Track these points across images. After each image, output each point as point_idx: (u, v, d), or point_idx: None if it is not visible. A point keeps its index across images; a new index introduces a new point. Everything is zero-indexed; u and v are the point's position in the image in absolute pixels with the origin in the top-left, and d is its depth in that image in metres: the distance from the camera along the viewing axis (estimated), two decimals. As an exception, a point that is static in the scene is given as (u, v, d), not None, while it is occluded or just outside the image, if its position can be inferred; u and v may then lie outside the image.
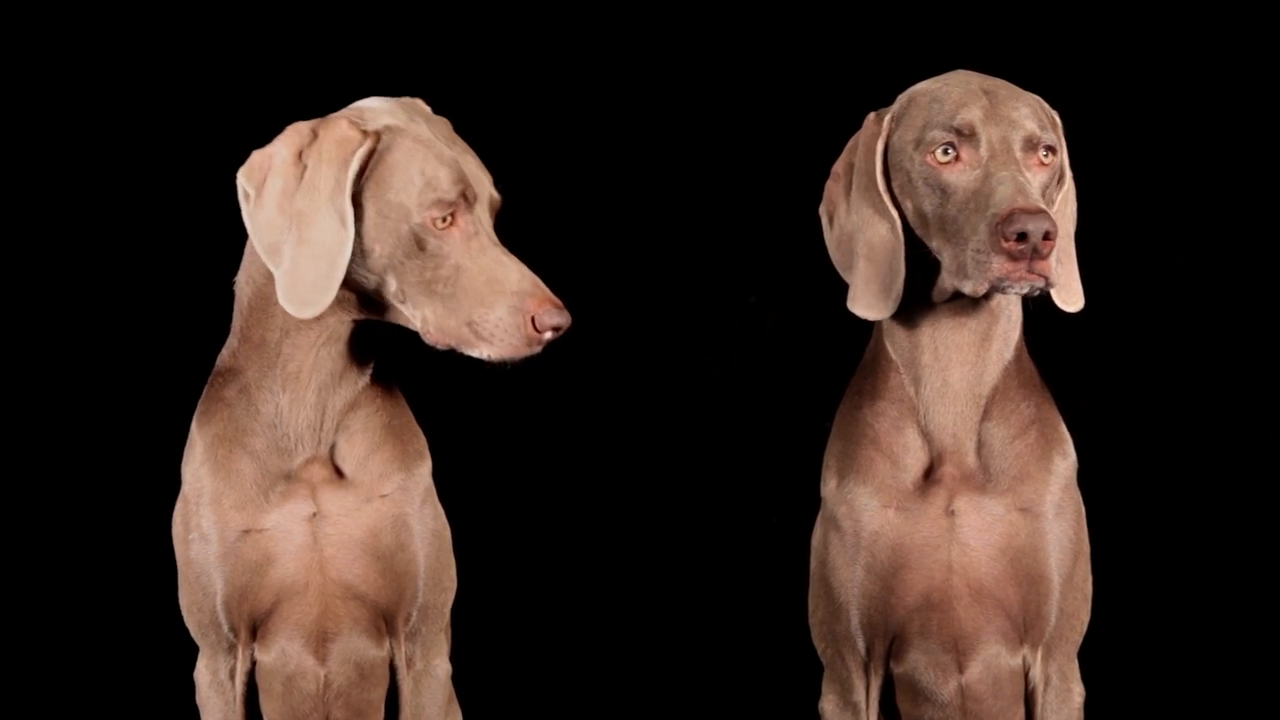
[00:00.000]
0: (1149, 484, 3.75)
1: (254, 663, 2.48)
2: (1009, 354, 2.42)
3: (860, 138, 2.41)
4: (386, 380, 2.50)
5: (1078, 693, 2.53)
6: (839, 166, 2.44)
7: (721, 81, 3.84)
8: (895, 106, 2.39)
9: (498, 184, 2.39)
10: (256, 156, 2.31)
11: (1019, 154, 2.26)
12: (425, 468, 2.52)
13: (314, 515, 2.41)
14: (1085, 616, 2.51)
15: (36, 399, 3.76)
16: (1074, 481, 2.47)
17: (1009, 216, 2.14)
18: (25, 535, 3.75)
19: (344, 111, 2.36)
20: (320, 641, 2.45)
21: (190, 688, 2.54)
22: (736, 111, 3.84)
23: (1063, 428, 2.48)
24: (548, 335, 2.27)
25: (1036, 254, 2.15)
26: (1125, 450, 3.71)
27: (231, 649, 2.47)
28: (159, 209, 3.69)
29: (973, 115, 2.27)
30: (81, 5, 3.70)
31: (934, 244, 2.30)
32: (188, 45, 3.70)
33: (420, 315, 2.29)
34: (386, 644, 2.50)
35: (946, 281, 2.31)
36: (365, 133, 2.28)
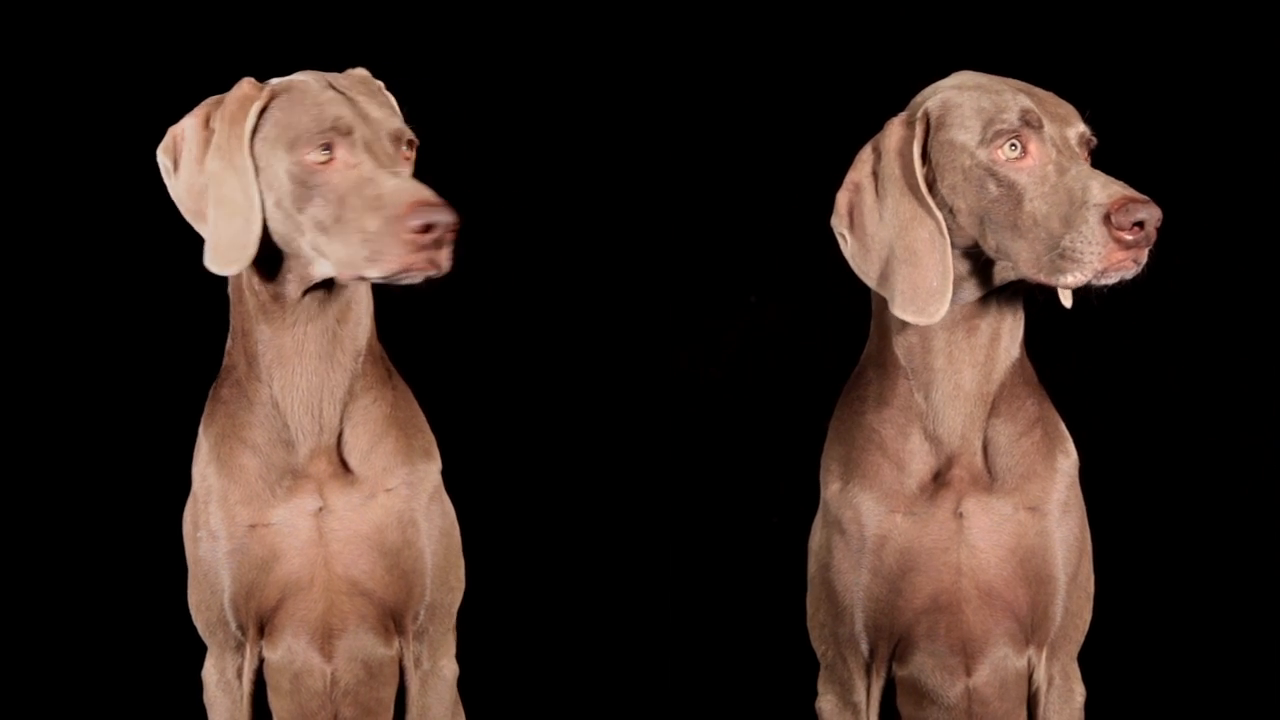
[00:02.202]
0: (1147, 484, 3.75)
1: (262, 660, 2.48)
2: (1015, 351, 2.42)
3: (886, 143, 2.35)
4: (389, 373, 2.51)
5: (1079, 693, 2.53)
6: (858, 177, 2.37)
7: (722, 83, 3.84)
8: (927, 108, 2.34)
9: (414, 124, 2.39)
10: (170, 131, 2.36)
11: (1076, 149, 2.28)
12: (433, 466, 2.52)
13: (320, 510, 2.41)
14: (1088, 616, 2.51)
15: (46, 402, 3.76)
16: (1077, 480, 2.47)
17: (1124, 207, 2.14)
18: (34, 537, 3.75)
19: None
20: (326, 638, 2.44)
21: (197, 688, 2.54)
22: (736, 113, 3.84)
23: (1062, 426, 2.49)
24: (425, 237, 2.17)
25: (1148, 241, 2.17)
26: (1123, 450, 3.71)
27: (239, 647, 2.47)
28: (169, 214, 3.70)
29: (1033, 107, 2.27)
30: (79, 7, 3.71)
31: (993, 241, 2.27)
32: (190, 47, 3.70)
33: (329, 259, 2.27)
34: (395, 643, 2.50)
35: (1000, 275, 2.31)
36: (262, 89, 2.33)
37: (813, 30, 3.83)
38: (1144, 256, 2.18)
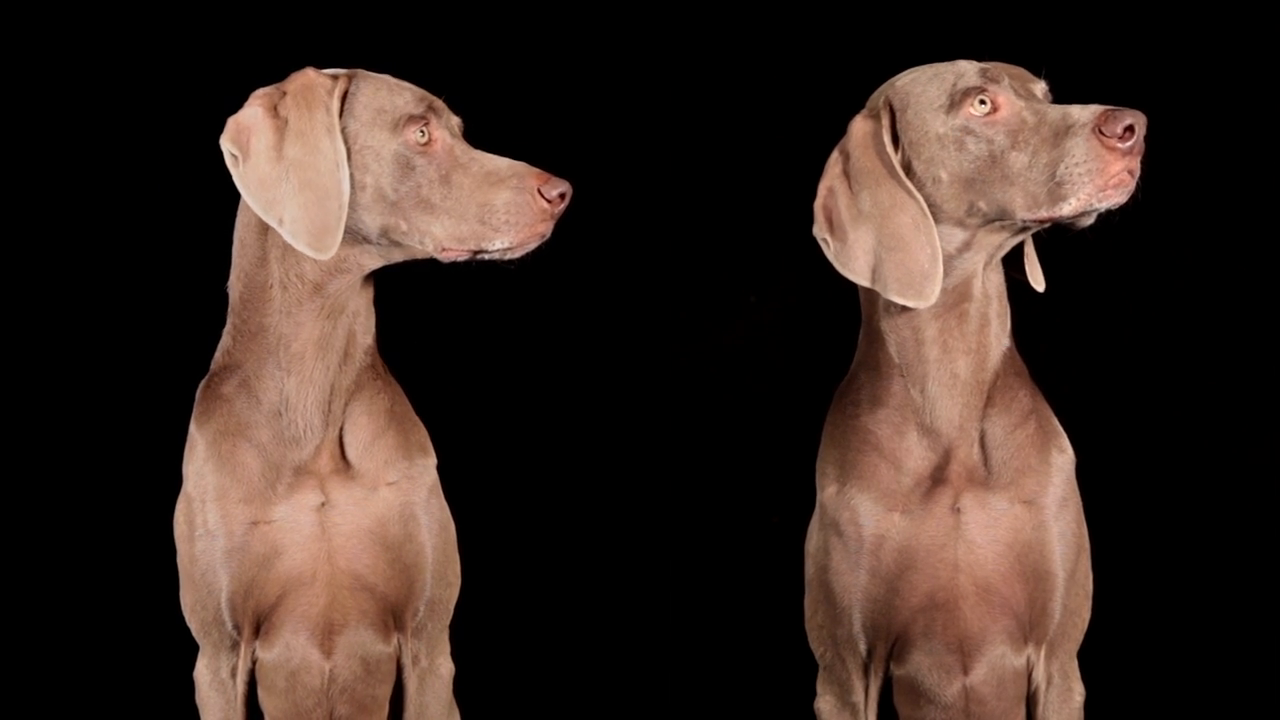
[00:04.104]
0: (1144, 485, 3.75)
1: (255, 660, 2.48)
2: (1006, 340, 2.43)
3: (852, 142, 2.38)
4: (384, 369, 2.52)
5: (1078, 692, 2.53)
6: (829, 182, 2.40)
7: (722, 82, 3.84)
8: (888, 96, 2.37)
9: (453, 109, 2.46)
10: (233, 121, 2.35)
11: (1042, 100, 2.31)
12: (430, 461, 2.53)
13: (322, 505, 2.41)
14: (1086, 614, 2.51)
15: (34, 403, 3.76)
16: (1073, 476, 2.47)
17: (1109, 117, 2.17)
18: (25, 539, 3.75)
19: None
20: (326, 634, 2.45)
21: (189, 688, 2.54)
22: (736, 112, 3.84)
23: (1056, 422, 2.49)
24: (559, 207, 2.35)
25: (1139, 147, 2.18)
26: (1120, 450, 3.71)
27: (234, 647, 2.47)
28: (158, 216, 3.70)
29: (987, 65, 2.30)
30: (82, 12, 3.71)
31: (983, 202, 2.28)
32: (191, 48, 3.71)
33: (430, 236, 2.34)
34: (393, 640, 2.51)
35: (988, 241, 2.32)
36: (335, 76, 2.36)
37: (812, 32, 3.83)
38: (1138, 169, 2.19)
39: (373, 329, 2.48)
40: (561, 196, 2.35)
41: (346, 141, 2.32)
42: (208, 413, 2.45)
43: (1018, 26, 3.73)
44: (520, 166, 2.36)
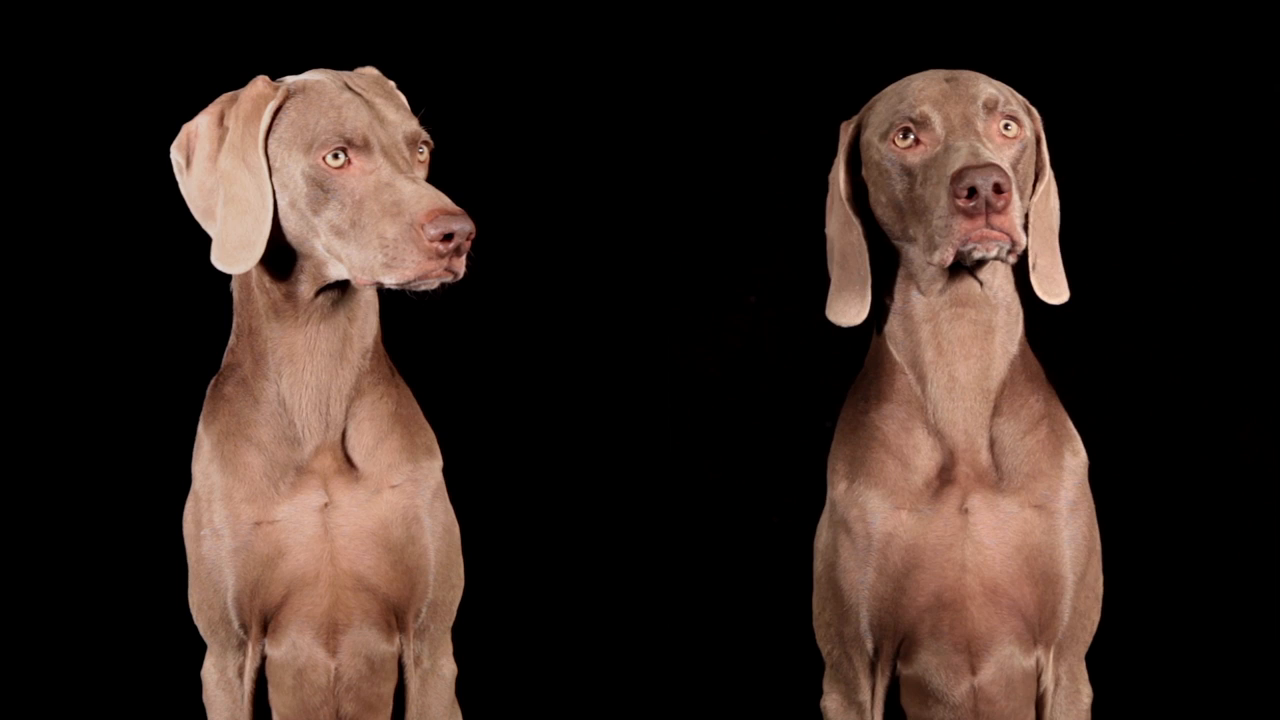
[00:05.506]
0: (1155, 486, 3.75)
1: (264, 659, 2.47)
2: (1014, 348, 2.42)
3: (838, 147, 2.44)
4: (392, 371, 2.51)
5: (1086, 694, 2.52)
6: (830, 177, 2.46)
7: (723, 83, 3.84)
8: (862, 113, 2.41)
9: (427, 125, 2.38)
10: (185, 128, 2.35)
11: (980, 126, 2.28)
12: (436, 464, 2.52)
13: (325, 505, 2.41)
14: (1096, 616, 2.50)
15: (43, 401, 3.76)
16: (1086, 479, 2.47)
17: (958, 174, 2.16)
18: (32, 537, 3.75)
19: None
20: (331, 633, 2.45)
21: (196, 687, 2.54)
22: (737, 113, 3.84)
23: (1070, 425, 2.48)
24: (444, 245, 2.19)
25: (990, 208, 2.16)
26: (1132, 452, 3.71)
27: (241, 645, 2.47)
28: (168, 215, 3.69)
29: (930, 100, 2.29)
30: (80, 11, 3.71)
31: (911, 230, 2.31)
32: (192, 50, 3.70)
33: (344, 263, 2.28)
34: (396, 639, 2.50)
35: (919, 260, 2.33)
36: (278, 88, 2.32)
37: (816, 32, 3.83)
38: (1005, 224, 2.16)
39: (374, 331, 2.46)
40: (446, 238, 2.18)
41: (271, 156, 2.29)
42: (213, 413, 2.46)
43: (1023, 25, 3.74)
44: (425, 199, 2.21)
